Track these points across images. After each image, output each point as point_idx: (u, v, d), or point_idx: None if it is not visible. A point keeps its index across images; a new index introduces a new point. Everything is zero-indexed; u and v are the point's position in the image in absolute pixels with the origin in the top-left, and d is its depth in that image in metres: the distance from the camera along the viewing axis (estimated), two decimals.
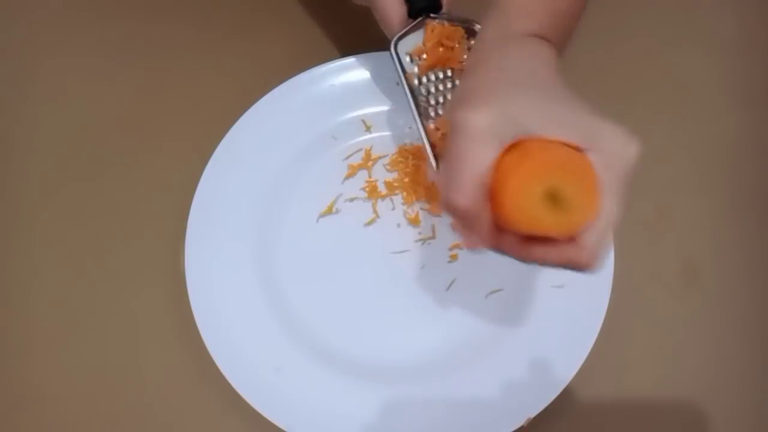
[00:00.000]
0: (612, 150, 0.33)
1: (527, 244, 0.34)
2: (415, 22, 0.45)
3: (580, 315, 0.46)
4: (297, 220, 0.50)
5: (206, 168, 0.49)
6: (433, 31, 0.45)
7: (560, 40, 0.40)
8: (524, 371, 0.46)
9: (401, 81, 0.45)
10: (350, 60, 0.52)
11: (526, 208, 0.32)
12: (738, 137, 0.54)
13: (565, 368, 0.45)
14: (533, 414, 0.44)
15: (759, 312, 0.49)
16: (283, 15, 0.57)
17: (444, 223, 0.50)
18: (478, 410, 0.45)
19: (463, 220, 0.34)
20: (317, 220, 0.51)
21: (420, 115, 0.45)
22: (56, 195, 0.52)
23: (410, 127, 0.51)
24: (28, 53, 0.57)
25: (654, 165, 0.53)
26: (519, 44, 0.37)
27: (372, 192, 0.51)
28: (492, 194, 0.33)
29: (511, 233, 0.34)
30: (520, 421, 0.44)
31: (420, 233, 0.50)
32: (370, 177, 0.52)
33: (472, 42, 0.46)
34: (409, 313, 0.49)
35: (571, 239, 0.33)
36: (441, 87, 0.46)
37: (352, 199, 0.51)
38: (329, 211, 0.51)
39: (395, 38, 0.45)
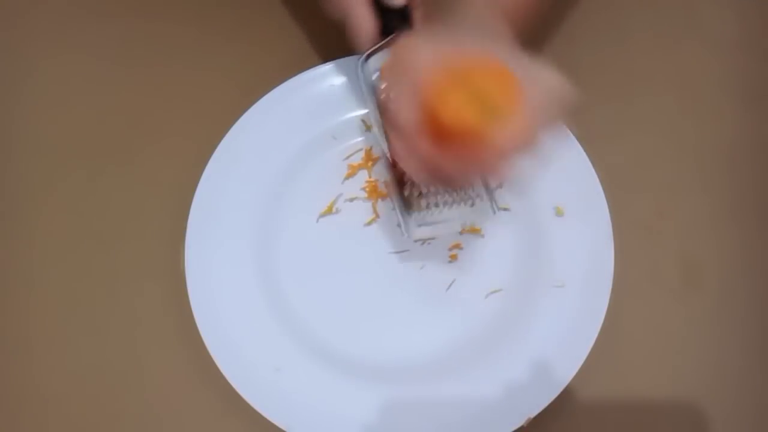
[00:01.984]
0: (540, 77, 0.36)
1: (443, 146, 0.37)
2: (386, 40, 0.45)
3: (580, 315, 0.46)
4: (297, 220, 0.50)
5: (206, 168, 0.49)
6: None
7: (517, 16, 0.44)
8: (524, 371, 0.46)
9: (368, 97, 0.46)
10: (351, 60, 0.52)
11: (452, 101, 0.35)
12: (738, 137, 0.54)
13: (565, 368, 0.45)
14: (533, 414, 0.44)
15: (759, 312, 0.49)
16: (283, 15, 0.57)
17: None
18: (478, 410, 0.45)
19: (403, 128, 0.37)
20: (317, 220, 0.51)
21: (385, 131, 0.45)
22: (56, 194, 0.52)
23: None
24: (27, 52, 0.57)
25: (654, 165, 0.53)
26: (474, 7, 0.42)
27: (372, 192, 0.51)
28: (425, 97, 0.36)
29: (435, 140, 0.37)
30: (520, 421, 0.44)
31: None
32: (370, 177, 0.52)
33: None
34: (409, 314, 0.49)
35: (486, 143, 0.36)
36: None
37: (352, 199, 0.51)
38: (329, 211, 0.51)
39: (364, 55, 0.45)
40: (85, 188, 0.52)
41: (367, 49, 0.45)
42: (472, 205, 0.47)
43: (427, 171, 0.38)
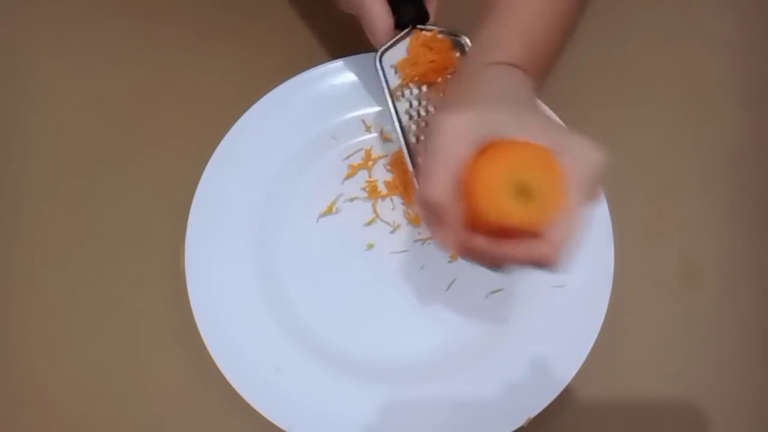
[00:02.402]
0: (579, 153, 0.35)
1: (496, 242, 0.35)
2: (401, 34, 0.45)
3: (580, 315, 0.46)
4: (297, 220, 0.50)
5: (206, 168, 0.49)
6: (418, 38, 0.45)
7: (536, 72, 0.43)
8: (524, 371, 0.46)
9: (385, 92, 0.46)
10: (350, 60, 0.52)
11: (497, 198, 0.33)
12: (738, 137, 0.54)
13: (565, 368, 0.45)
14: (533, 414, 0.44)
15: (759, 312, 0.49)
16: (283, 15, 0.57)
17: None
18: (478, 410, 0.45)
19: (436, 215, 0.36)
20: (317, 220, 0.51)
21: (402, 127, 0.46)
22: (56, 195, 0.52)
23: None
24: (27, 53, 0.57)
25: (654, 165, 0.53)
26: (497, 69, 0.41)
27: (372, 192, 0.51)
28: (465, 189, 0.34)
29: (480, 231, 0.35)
30: (520, 421, 0.44)
31: (420, 233, 0.50)
32: (370, 177, 0.52)
33: (458, 54, 0.47)
34: (409, 313, 0.48)
35: (538, 235, 0.34)
36: (423, 101, 0.46)
37: (352, 199, 0.51)
38: (329, 211, 0.51)
39: (381, 50, 0.45)
40: (85, 189, 0.52)
41: (383, 45, 0.45)
42: None
43: (469, 255, 0.36)
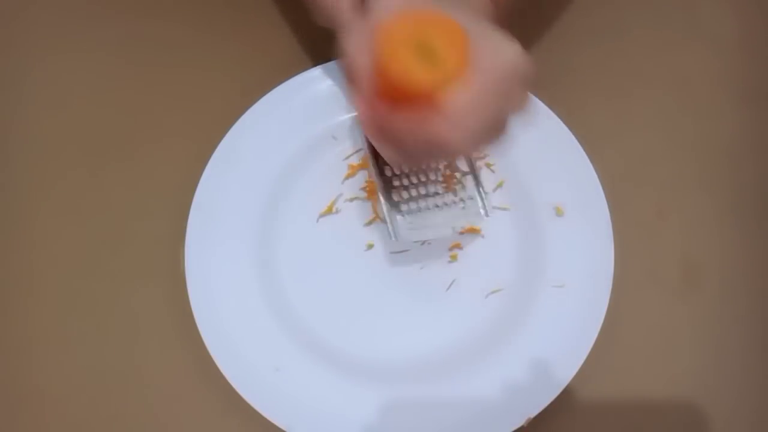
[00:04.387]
0: (498, 46, 0.35)
1: (395, 111, 0.35)
2: None
3: (580, 315, 0.47)
4: (297, 220, 0.50)
5: (206, 168, 0.49)
6: None
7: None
8: (524, 371, 0.46)
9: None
10: None
11: (398, 53, 0.33)
12: (738, 136, 0.54)
13: (565, 368, 0.45)
14: (533, 414, 0.44)
15: (759, 312, 0.50)
16: (284, 15, 0.57)
17: None
18: (478, 410, 0.45)
19: (355, 78, 0.36)
20: (317, 220, 0.51)
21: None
22: (55, 195, 0.52)
23: None
24: (26, 51, 0.56)
25: (654, 164, 0.53)
26: None
27: (372, 192, 0.51)
28: (374, 48, 0.34)
29: (383, 101, 0.35)
30: (520, 421, 0.44)
31: None
32: (370, 177, 0.52)
33: None
34: (409, 314, 0.49)
35: (435, 108, 0.34)
36: None
37: (352, 199, 0.51)
38: (329, 211, 0.51)
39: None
40: (84, 189, 0.52)
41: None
42: (463, 207, 0.47)
43: (383, 136, 0.36)
